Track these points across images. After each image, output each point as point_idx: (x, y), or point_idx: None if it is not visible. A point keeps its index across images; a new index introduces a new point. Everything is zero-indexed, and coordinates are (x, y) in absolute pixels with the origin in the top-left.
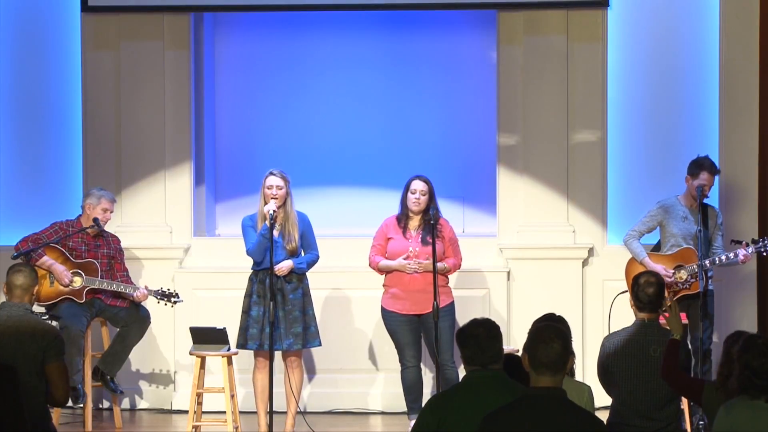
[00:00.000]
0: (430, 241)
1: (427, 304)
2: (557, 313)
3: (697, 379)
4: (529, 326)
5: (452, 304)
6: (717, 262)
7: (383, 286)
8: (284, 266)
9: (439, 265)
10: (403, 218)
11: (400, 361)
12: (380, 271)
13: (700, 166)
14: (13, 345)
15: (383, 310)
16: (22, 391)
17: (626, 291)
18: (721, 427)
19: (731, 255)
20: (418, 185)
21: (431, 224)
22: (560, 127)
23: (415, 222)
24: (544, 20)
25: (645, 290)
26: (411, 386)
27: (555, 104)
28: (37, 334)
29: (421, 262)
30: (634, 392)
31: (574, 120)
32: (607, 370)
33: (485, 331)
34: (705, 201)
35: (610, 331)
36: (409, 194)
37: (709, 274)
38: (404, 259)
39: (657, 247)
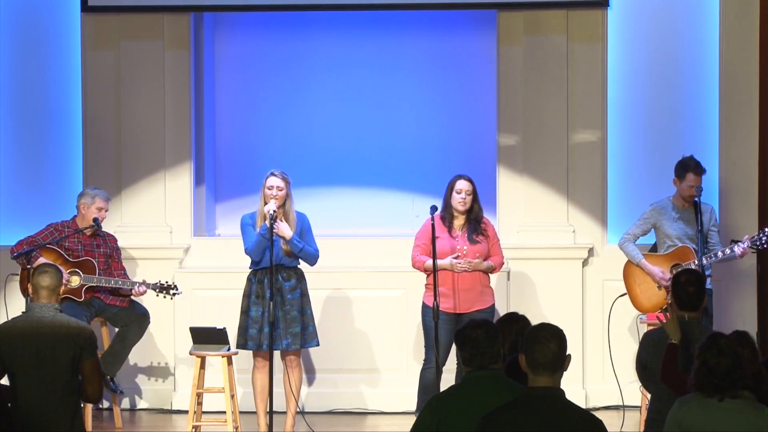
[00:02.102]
0: (477, 239)
1: (471, 304)
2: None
3: None
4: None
5: (493, 306)
6: (713, 258)
7: (426, 285)
8: (283, 228)
9: (485, 263)
10: (447, 218)
11: (425, 359)
12: (426, 270)
13: (685, 167)
14: (51, 345)
15: (425, 307)
16: (51, 391)
17: (625, 294)
18: (672, 421)
19: (727, 250)
20: (463, 185)
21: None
22: (560, 127)
23: (460, 221)
24: (544, 20)
25: (685, 289)
26: (428, 386)
27: (555, 104)
28: (72, 332)
29: (471, 261)
30: (669, 389)
31: (574, 120)
32: (645, 366)
33: (483, 333)
34: (697, 200)
35: (610, 333)
36: (454, 194)
37: (708, 272)
38: (454, 258)
39: (654, 249)
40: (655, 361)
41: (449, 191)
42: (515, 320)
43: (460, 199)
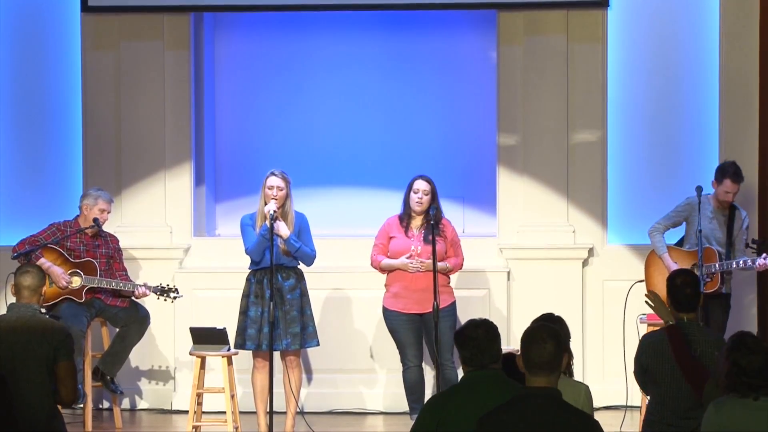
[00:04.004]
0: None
1: (428, 304)
2: (557, 314)
3: (706, 371)
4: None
5: (453, 304)
6: (734, 266)
7: (385, 285)
8: (280, 227)
9: (440, 264)
10: (405, 217)
11: (402, 360)
12: (382, 270)
13: (724, 172)
14: (25, 345)
15: (385, 310)
16: (35, 393)
17: (643, 280)
18: (710, 425)
19: (749, 261)
20: (420, 185)
21: (432, 224)
22: (560, 127)
23: (417, 221)
24: (544, 20)
25: (683, 290)
26: (412, 386)
27: (555, 104)
28: (48, 333)
29: (424, 261)
30: (672, 391)
31: (574, 120)
32: (645, 369)
33: (484, 333)
34: (735, 204)
35: (625, 323)
36: (411, 194)
37: (727, 276)
38: (407, 258)
39: (680, 243)
40: (656, 363)
41: (408, 191)
42: (552, 321)
43: (416, 199)
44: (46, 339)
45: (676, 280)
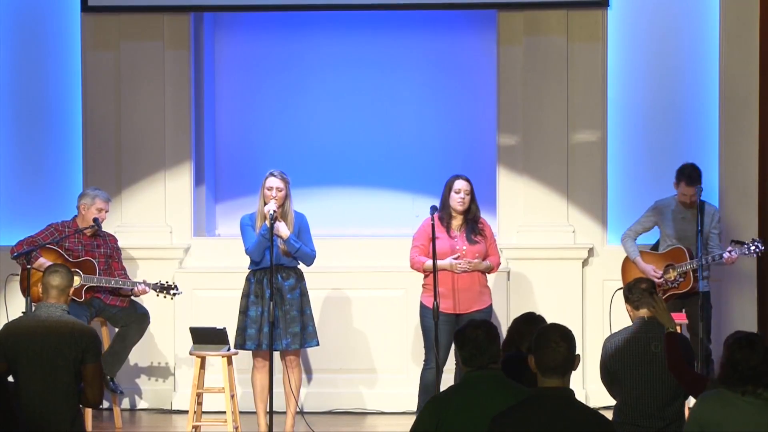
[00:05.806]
0: (476, 239)
1: (471, 303)
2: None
3: (703, 376)
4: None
5: (490, 306)
6: (705, 262)
7: (424, 285)
8: (280, 228)
9: (484, 263)
10: (445, 218)
11: (426, 359)
12: (424, 271)
13: (680, 175)
14: (54, 346)
15: (423, 308)
16: (61, 393)
17: (621, 288)
18: (692, 419)
19: (716, 256)
20: (461, 184)
21: (432, 225)
22: (560, 127)
23: (458, 221)
24: (544, 20)
25: (637, 285)
26: (429, 386)
27: (555, 104)
28: (77, 334)
29: (471, 261)
30: (637, 391)
31: (574, 120)
32: (609, 370)
33: (483, 333)
34: (703, 199)
35: (611, 328)
36: (452, 194)
37: (705, 274)
38: (454, 258)
39: (656, 247)
40: (621, 365)
41: (447, 191)
42: (535, 321)
43: (459, 199)
44: (75, 340)
45: (630, 282)
